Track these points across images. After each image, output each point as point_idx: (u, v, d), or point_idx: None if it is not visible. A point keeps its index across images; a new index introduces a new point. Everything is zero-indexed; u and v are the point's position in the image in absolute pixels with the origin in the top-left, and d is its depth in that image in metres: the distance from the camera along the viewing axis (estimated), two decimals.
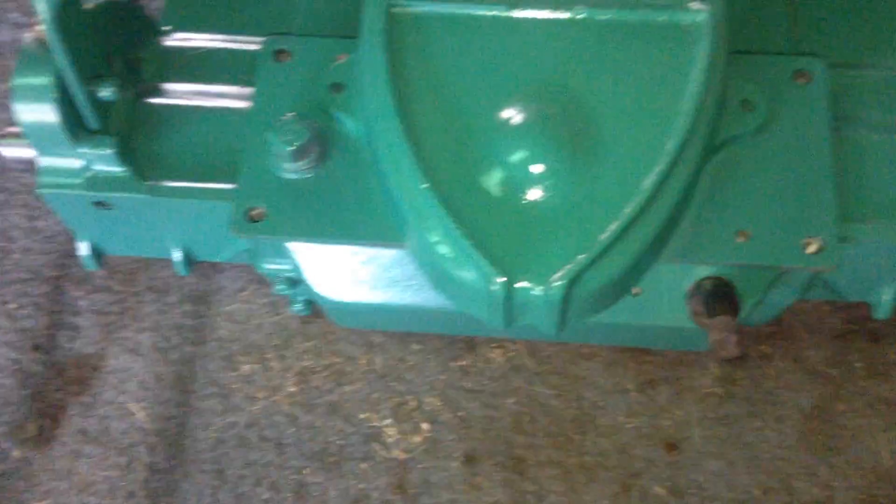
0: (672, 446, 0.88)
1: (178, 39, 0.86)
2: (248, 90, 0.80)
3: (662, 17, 0.71)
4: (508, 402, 0.90)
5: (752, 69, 0.75)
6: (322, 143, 0.75)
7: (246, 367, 0.93)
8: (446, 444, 0.89)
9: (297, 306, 0.90)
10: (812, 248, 0.70)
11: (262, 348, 0.93)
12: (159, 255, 0.88)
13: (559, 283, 0.63)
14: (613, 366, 0.91)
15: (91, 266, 0.88)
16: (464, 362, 0.92)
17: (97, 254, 0.87)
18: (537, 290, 0.64)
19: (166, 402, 0.92)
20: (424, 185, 0.66)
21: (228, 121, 0.81)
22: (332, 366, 0.92)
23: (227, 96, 0.82)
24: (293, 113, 0.74)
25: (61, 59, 0.70)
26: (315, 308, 0.91)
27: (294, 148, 0.73)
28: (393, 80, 0.70)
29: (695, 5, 0.70)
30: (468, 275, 0.66)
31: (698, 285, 0.73)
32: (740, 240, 0.71)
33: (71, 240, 0.90)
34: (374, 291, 0.79)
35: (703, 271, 0.74)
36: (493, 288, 0.64)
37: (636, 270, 0.68)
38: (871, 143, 0.77)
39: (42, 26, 0.69)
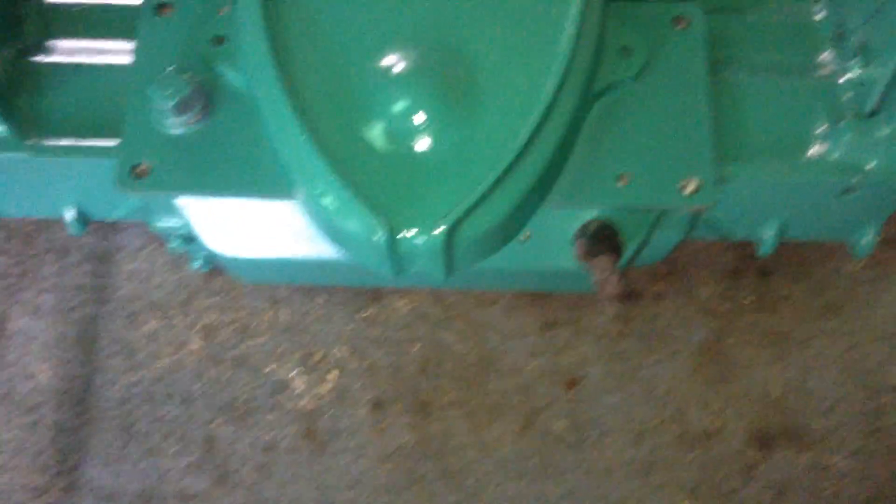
0: (572, 383, 0.91)
1: None
2: (131, 45, 0.79)
3: None
4: (414, 349, 0.92)
5: (632, 16, 0.76)
6: (205, 96, 0.74)
7: (150, 325, 0.93)
8: (353, 391, 0.91)
9: (198, 263, 0.90)
10: (689, 189, 0.73)
11: (165, 306, 0.93)
12: (52, 214, 0.87)
13: (440, 230, 0.64)
14: (515, 310, 0.94)
15: None
16: (369, 312, 0.94)
17: None
18: (419, 239, 0.65)
19: (70, 361, 0.92)
20: (304, 137, 0.66)
21: (112, 77, 0.80)
22: (237, 320, 0.93)
23: (111, 52, 0.81)
24: (173, 67, 0.73)
25: None
26: (217, 264, 0.91)
27: (175, 102, 0.72)
28: (269, 30, 0.69)
29: None
30: (353, 226, 0.67)
31: (583, 229, 0.75)
32: (621, 183, 0.73)
33: None
34: (267, 246, 0.79)
35: (590, 215, 0.76)
36: (376, 238, 0.65)
37: (518, 216, 0.69)
38: (746, 84, 0.79)
39: None
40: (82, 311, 0.94)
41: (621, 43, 0.75)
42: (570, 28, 0.69)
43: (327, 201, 0.67)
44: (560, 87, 0.68)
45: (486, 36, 0.70)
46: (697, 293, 0.95)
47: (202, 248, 0.85)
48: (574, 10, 0.70)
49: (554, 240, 0.78)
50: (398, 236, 0.65)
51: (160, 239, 0.94)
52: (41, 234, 0.97)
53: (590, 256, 0.72)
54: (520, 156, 0.66)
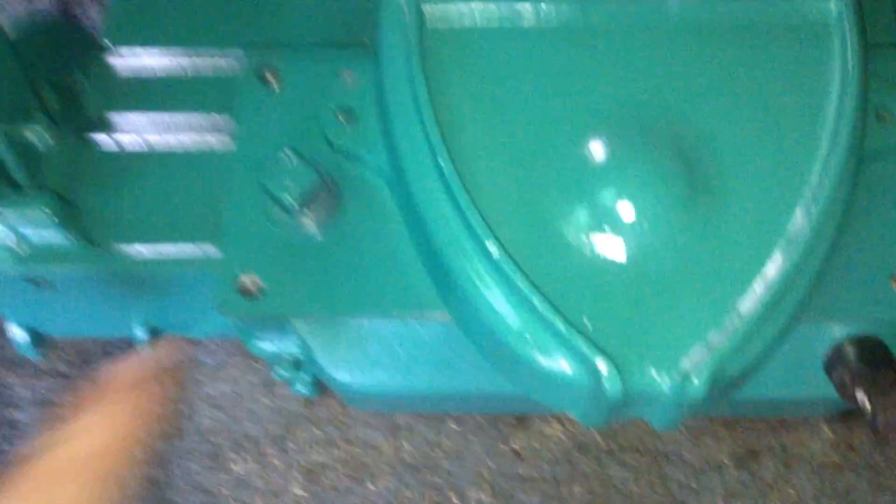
0: None
1: (126, 57, 0.69)
2: (222, 119, 0.66)
3: (786, 12, 0.56)
4: (576, 491, 0.76)
5: (883, 69, 0.61)
6: (331, 188, 0.60)
7: (239, 467, 0.77)
8: None
9: (301, 387, 0.74)
10: None
11: (257, 441, 0.77)
12: (117, 333, 0.72)
13: (700, 376, 0.49)
14: (702, 436, 0.77)
15: (30, 354, 0.71)
16: (515, 443, 0.77)
17: (37, 338, 0.70)
18: (666, 385, 0.49)
19: None
20: (495, 249, 0.51)
21: (200, 161, 0.65)
22: (350, 458, 0.77)
23: (196, 129, 0.66)
24: (290, 149, 0.58)
25: None
26: (322, 383, 0.76)
27: (297, 197, 0.57)
28: (435, 108, 0.54)
29: None
30: (560, 365, 0.51)
31: (840, 350, 0.59)
32: None
33: None
34: (409, 375, 0.63)
35: (839, 330, 0.60)
36: (604, 384, 0.49)
37: (780, 341, 0.53)
38: None
39: None
40: (150, 449, 0.77)
41: (876, 105, 0.59)
42: (840, 91, 0.54)
43: (522, 332, 0.52)
44: (835, 166, 0.53)
45: (726, 104, 0.55)
46: None
47: (314, 372, 0.70)
48: (842, 67, 0.54)
49: (787, 363, 0.62)
50: (633, 382, 0.49)
51: (248, 353, 0.79)
52: (96, 347, 0.81)
53: (875, 394, 0.55)
54: (799, 260, 0.51)
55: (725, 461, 0.76)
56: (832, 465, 0.76)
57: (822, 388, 0.61)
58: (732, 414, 0.75)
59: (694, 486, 0.76)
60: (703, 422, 0.78)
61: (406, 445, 0.77)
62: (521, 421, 0.78)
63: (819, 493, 0.75)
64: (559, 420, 0.78)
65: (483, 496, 0.76)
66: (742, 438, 0.77)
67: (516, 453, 0.77)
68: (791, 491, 0.76)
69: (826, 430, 0.77)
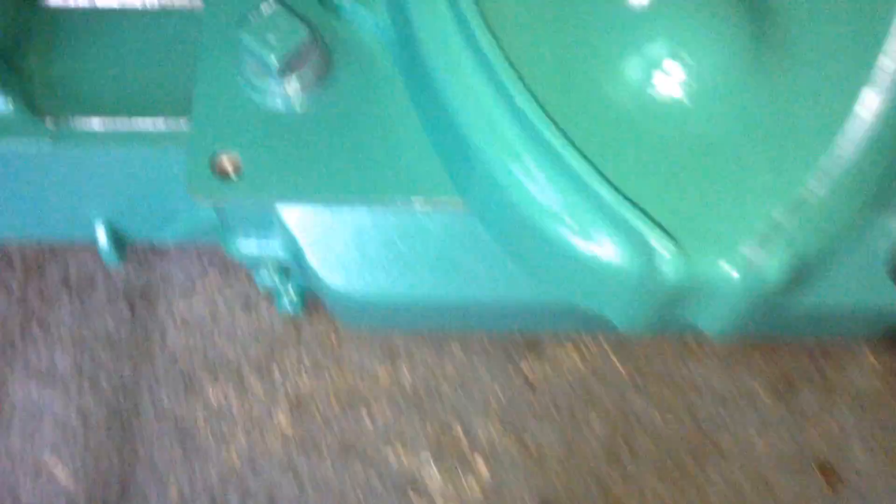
0: (829, 471, 0.67)
1: None
2: None
3: None
4: (594, 423, 0.68)
5: None
6: (322, 50, 0.51)
7: (214, 395, 0.68)
8: (513, 487, 0.66)
9: (286, 301, 0.66)
10: None
11: (236, 365, 0.69)
12: (73, 236, 0.63)
13: (775, 262, 0.40)
14: (734, 363, 0.70)
15: None
16: (526, 369, 0.69)
17: None
18: (734, 271, 0.41)
19: (100, 451, 0.67)
20: (529, 108, 0.42)
21: (167, 20, 0.57)
22: (341, 385, 0.69)
23: None
24: (273, 2, 0.50)
25: None
26: (311, 301, 0.67)
27: (282, 58, 0.49)
28: None
29: None
30: (605, 247, 0.43)
31: None
32: None
33: None
34: (413, 276, 0.55)
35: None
36: (660, 268, 0.40)
37: (856, 230, 0.46)
38: None
39: None
40: (115, 375, 0.69)
41: None
42: None
43: (560, 211, 0.43)
44: None
45: None
46: None
47: (300, 280, 0.62)
48: None
49: (849, 265, 0.54)
50: (691, 266, 0.41)
51: (225, 266, 0.71)
52: (52, 261, 0.72)
53: None
54: (883, 123, 0.43)
55: (760, 391, 0.69)
56: (877, 394, 0.69)
57: (885, 296, 0.54)
58: (777, 331, 0.67)
59: (725, 417, 0.68)
60: (734, 348, 0.70)
61: (405, 372, 0.69)
62: (533, 346, 0.70)
63: (862, 426, 0.68)
64: (575, 344, 0.70)
65: (491, 428, 0.68)
66: (777, 367, 0.70)
67: (527, 381, 0.69)
68: (832, 423, 0.68)
69: (870, 357, 0.70)
